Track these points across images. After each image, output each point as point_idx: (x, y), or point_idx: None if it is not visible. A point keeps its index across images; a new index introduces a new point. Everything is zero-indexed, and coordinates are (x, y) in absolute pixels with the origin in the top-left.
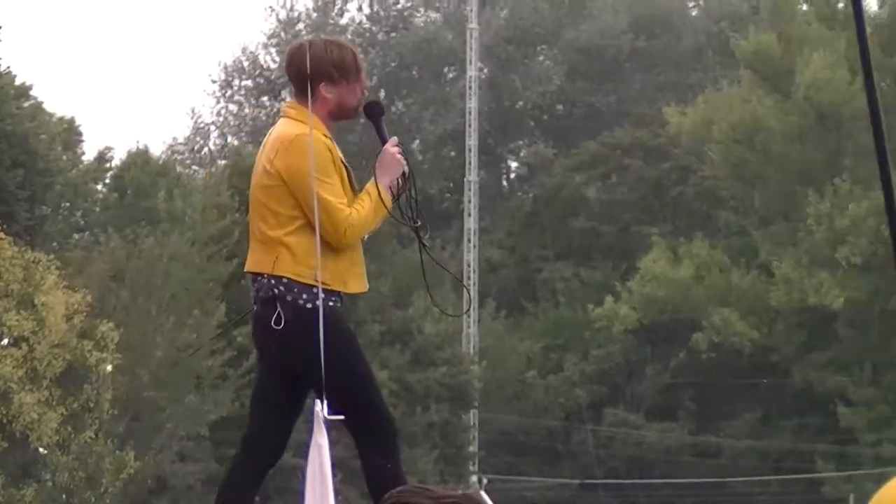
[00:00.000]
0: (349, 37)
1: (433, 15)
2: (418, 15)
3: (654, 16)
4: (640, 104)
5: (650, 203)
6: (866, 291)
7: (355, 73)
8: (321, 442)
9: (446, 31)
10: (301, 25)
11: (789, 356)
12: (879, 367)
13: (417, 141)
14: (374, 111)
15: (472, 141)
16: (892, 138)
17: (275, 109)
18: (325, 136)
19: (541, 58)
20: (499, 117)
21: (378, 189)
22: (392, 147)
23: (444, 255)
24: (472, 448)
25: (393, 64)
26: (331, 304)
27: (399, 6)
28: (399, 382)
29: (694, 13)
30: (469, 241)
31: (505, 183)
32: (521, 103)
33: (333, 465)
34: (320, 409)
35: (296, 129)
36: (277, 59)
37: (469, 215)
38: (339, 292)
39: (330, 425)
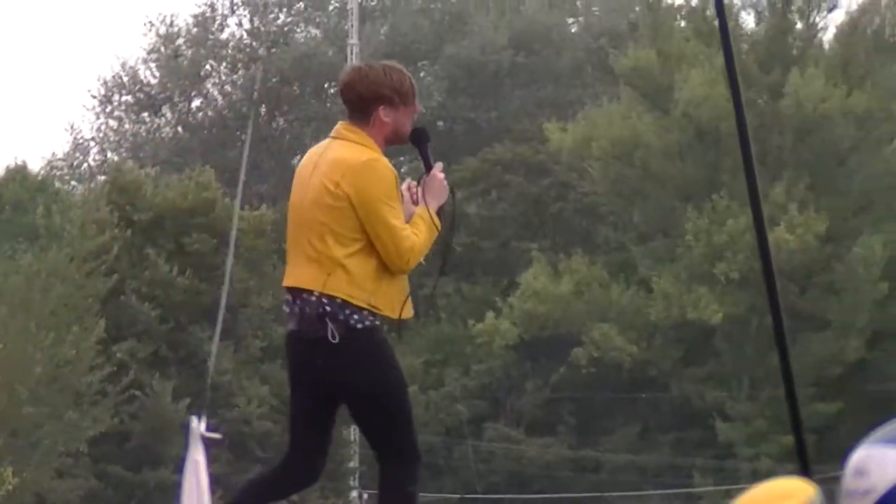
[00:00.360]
0: (229, 52)
1: (313, 31)
2: (299, 31)
3: (533, 32)
4: (520, 120)
5: (530, 219)
6: (744, 306)
7: (411, 98)
8: (198, 458)
9: (327, 47)
10: (181, 40)
11: (668, 371)
12: (757, 381)
13: (299, 156)
14: (420, 137)
15: None
16: (771, 153)
17: (155, 125)
18: None
19: (422, 74)
20: None
21: (430, 214)
22: (439, 173)
23: None
24: (353, 463)
25: (274, 79)
26: (380, 325)
27: (279, 22)
28: (280, 398)
29: (574, 29)
30: None
31: None
32: None
33: (211, 482)
34: (196, 425)
35: (361, 152)
36: (157, 74)
37: None
38: (387, 317)
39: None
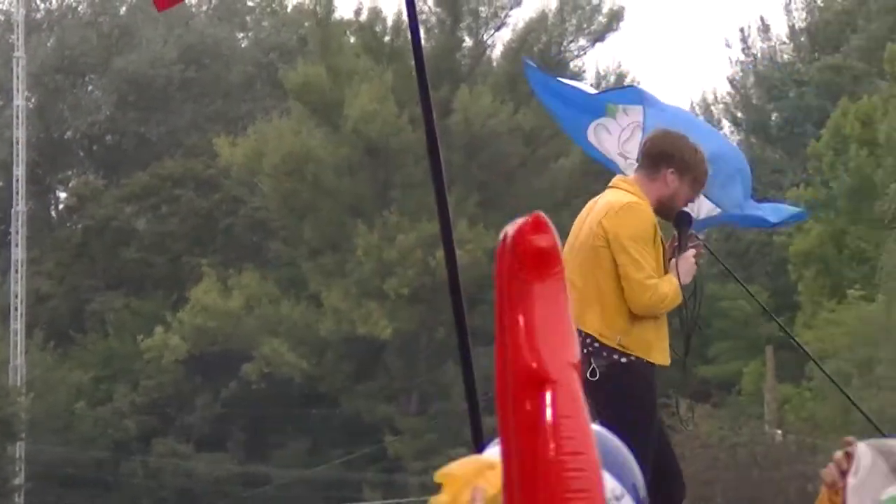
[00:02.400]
0: None
1: None
2: None
3: (203, 46)
4: (190, 135)
5: (201, 234)
6: (414, 322)
7: (699, 185)
8: None
9: None
10: None
11: (339, 386)
12: (426, 396)
13: None
14: (685, 220)
15: (19, 171)
16: (445, 171)
17: None
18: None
19: (90, 87)
20: (48, 147)
21: (678, 282)
22: (693, 256)
23: None
24: (18, 480)
25: None
26: (643, 362)
27: None
28: None
29: (244, 44)
30: (17, 271)
31: (54, 213)
32: (69, 133)
33: None
34: None
35: (627, 197)
36: None
37: (17, 245)
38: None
39: None
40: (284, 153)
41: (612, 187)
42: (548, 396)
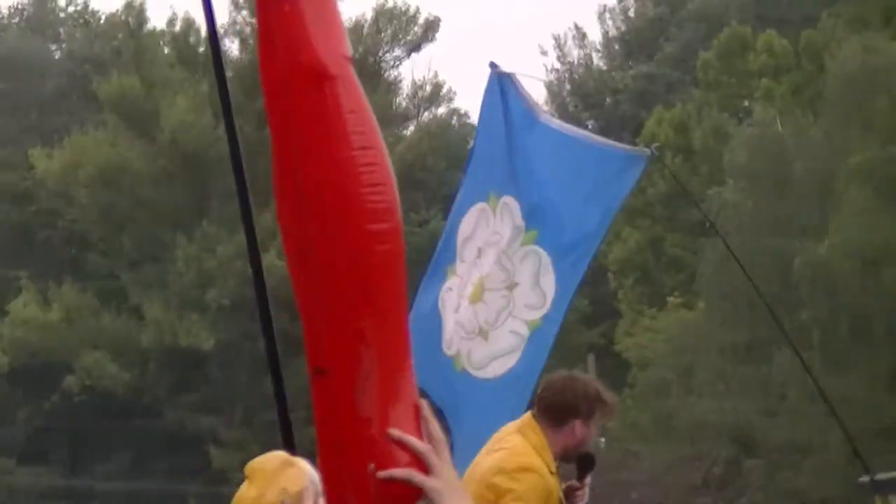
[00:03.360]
0: None
1: None
2: None
3: (16, 59)
4: (5, 146)
5: (19, 246)
6: (235, 333)
7: (596, 416)
8: None
9: None
10: None
11: (161, 397)
12: (249, 407)
13: None
14: (589, 463)
15: None
16: (258, 182)
17: None
18: (551, 472)
19: None
20: None
21: None
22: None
23: None
24: None
25: None
26: None
27: None
28: None
29: (57, 55)
30: None
31: None
32: None
33: None
34: None
35: (525, 458)
36: None
37: None
38: None
39: None
40: (101, 165)
41: (516, 433)
42: (330, 91)
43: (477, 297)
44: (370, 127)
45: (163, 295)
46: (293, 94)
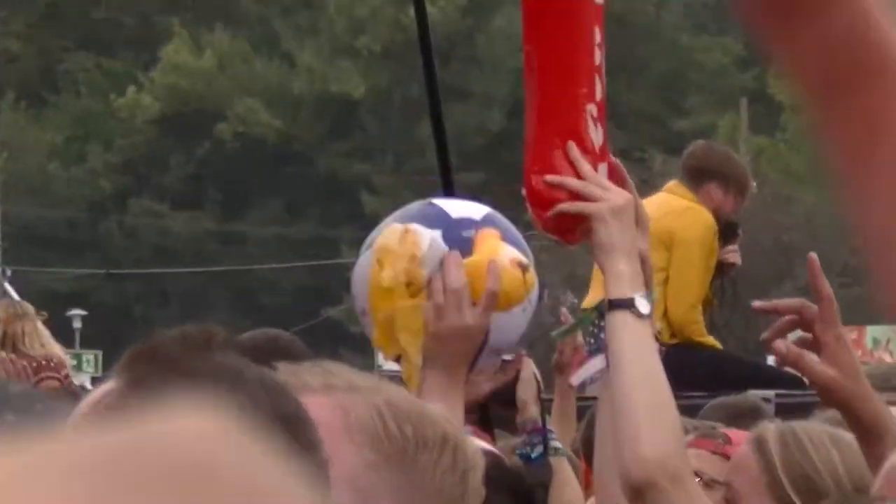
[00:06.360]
0: None
1: None
2: None
3: None
4: None
5: None
6: (386, 80)
7: (739, 203)
8: None
9: None
10: None
11: (313, 144)
12: (401, 154)
13: None
14: (731, 233)
15: None
16: None
17: None
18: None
19: None
20: None
21: None
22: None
23: None
24: None
25: None
26: None
27: None
28: None
29: None
30: None
31: None
32: None
33: None
34: None
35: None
36: None
37: None
38: None
39: None
40: None
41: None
42: None
43: None
44: None
45: (315, 41)
46: None
